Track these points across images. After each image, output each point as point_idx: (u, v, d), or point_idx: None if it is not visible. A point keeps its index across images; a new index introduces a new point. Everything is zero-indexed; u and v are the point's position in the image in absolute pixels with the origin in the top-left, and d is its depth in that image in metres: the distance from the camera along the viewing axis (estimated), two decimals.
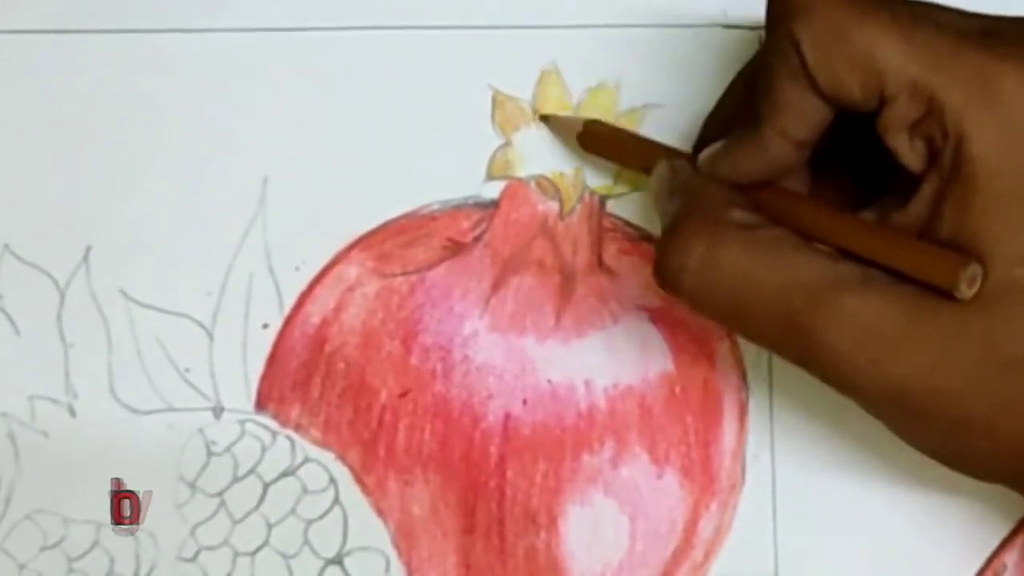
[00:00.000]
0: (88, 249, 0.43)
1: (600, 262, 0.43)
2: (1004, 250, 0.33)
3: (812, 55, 0.34)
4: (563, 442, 0.43)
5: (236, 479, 0.43)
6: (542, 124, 0.43)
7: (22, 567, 0.42)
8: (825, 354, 0.34)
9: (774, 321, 0.34)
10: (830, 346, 0.34)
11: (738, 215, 0.35)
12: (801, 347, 0.34)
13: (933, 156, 0.34)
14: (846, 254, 0.35)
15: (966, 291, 0.33)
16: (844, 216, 0.36)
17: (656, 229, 0.43)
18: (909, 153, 0.35)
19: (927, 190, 0.34)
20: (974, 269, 0.33)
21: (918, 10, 0.35)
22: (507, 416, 0.43)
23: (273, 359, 0.43)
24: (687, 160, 0.39)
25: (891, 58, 0.34)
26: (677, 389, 0.43)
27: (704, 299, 0.35)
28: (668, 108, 0.43)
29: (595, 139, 0.42)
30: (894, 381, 0.34)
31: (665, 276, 0.35)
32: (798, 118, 0.35)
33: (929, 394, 0.34)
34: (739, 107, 0.39)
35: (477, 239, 0.43)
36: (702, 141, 0.40)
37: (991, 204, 0.33)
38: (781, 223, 0.36)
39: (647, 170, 0.40)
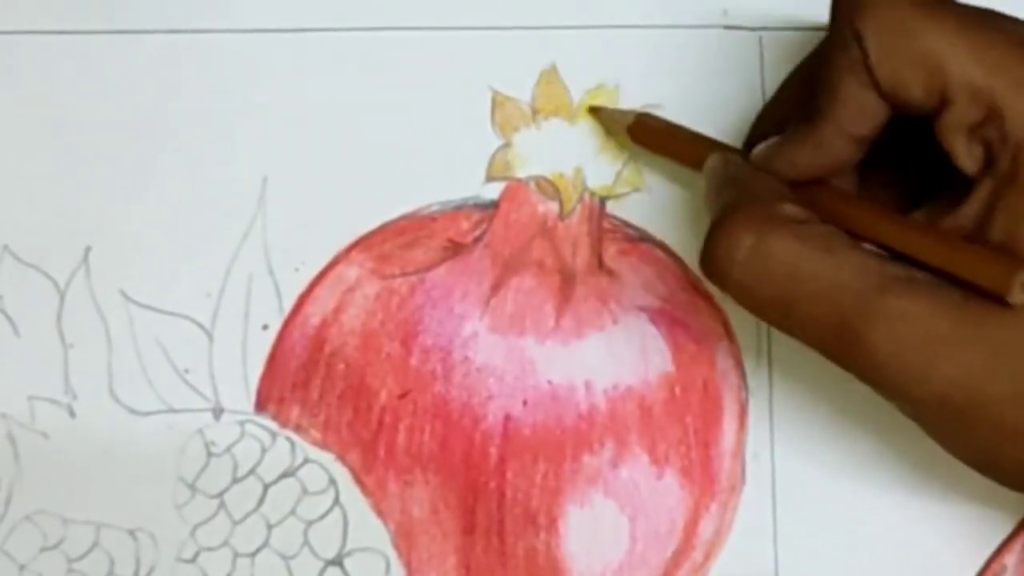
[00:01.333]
0: (88, 250, 0.43)
1: (600, 263, 0.43)
2: None
3: (875, 51, 0.34)
4: (563, 443, 0.43)
5: (236, 480, 0.43)
6: (542, 124, 0.43)
7: (22, 568, 0.42)
8: (870, 355, 0.34)
9: (820, 319, 0.34)
10: (876, 347, 0.34)
11: (789, 209, 0.35)
12: (846, 346, 0.34)
13: (990, 160, 0.34)
14: (894, 256, 0.35)
15: (1019, 296, 0.33)
16: (894, 217, 0.36)
17: (656, 230, 0.43)
18: (966, 156, 0.35)
19: (981, 193, 0.35)
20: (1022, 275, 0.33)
21: (983, 15, 0.35)
22: (507, 417, 0.43)
23: (273, 360, 0.43)
24: (739, 156, 0.38)
25: (955, 60, 0.34)
26: (677, 390, 0.43)
27: (751, 292, 0.35)
28: (668, 109, 0.43)
29: (646, 132, 0.42)
30: (939, 385, 0.34)
31: (713, 266, 0.35)
32: (857, 114, 0.35)
33: (973, 399, 0.34)
34: (794, 105, 0.38)
35: (477, 240, 0.43)
36: (753, 138, 0.40)
37: None
38: (830, 221, 0.35)
39: (696, 165, 0.40)
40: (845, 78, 0.35)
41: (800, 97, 0.38)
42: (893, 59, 0.34)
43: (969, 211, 0.35)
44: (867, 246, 0.35)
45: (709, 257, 0.35)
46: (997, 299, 0.33)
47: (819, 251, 0.34)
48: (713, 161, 0.39)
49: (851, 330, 0.34)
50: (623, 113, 0.43)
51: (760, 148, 0.38)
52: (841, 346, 0.34)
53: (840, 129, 0.36)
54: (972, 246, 0.34)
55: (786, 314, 0.35)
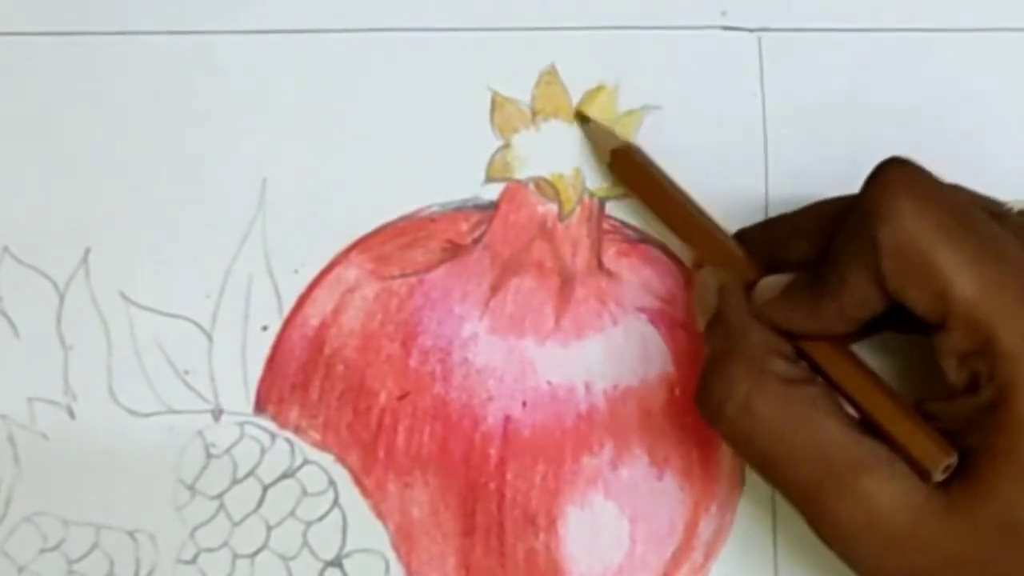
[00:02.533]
0: (87, 251, 0.43)
1: (599, 264, 0.43)
2: (1014, 496, 0.34)
3: (887, 263, 0.35)
4: (563, 444, 0.43)
5: (235, 481, 0.43)
6: (541, 125, 0.43)
7: (22, 569, 0.42)
8: (835, 530, 0.35)
9: (799, 481, 0.36)
10: (841, 524, 0.35)
11: (780, 366, 0.37)
12: (815, 511, 0.36)
13: (975, 386, 0.35)
14: (870, 424, 0.36)
15: (939, 476, 0.35)
16: (868, 382, 0.37)
17: (656, 231, 0.43)
18: (954, 374, 0.36)
19: (962, 403, 0.36)
20: (952, 460, 0.35)
21: (1001, 243, 0.35)
22: (507, 418, 0.43)
23: (272, 361, 0.43)
24: (729, 273, 0.39)
25: (962, 292, 0.35)
26: (677, 391, 0.43)
27: (738, 443, 0.37)
28: (667, 109, 0.43)
29: (625, 164, 0.42)
30: (888, 573, 0.35)
31: (706, 409, 0.37)
32: (860, 304, 0.36)
33: None
34: (804, 241, 0.39)
35: (476, 241, 0.43)
36: (751, 237, 0.41)
37: (1014, 462, 0.34)
38: (818, 371, 0.37)
39: (666, 219, 0.41)
40: (856, 271, 0.36)
41: (810, 238, 0.39)
42: (904, 274, 0.35)
43: (954, 408, 0.36)
44: (851, 413, 0.37)
45: (703, 401, 0.37)
46: (923, 474, 0.35)
47: (802, 418, 0.36)
48: (706, 279, 0.39)
49: (822, 500, 0.35)
50: (609, 136, 0.43)
51: (763, 291, 0.38)
52: (812, 512, 0.36)
53: (840, 311, 0.36)
54: (920, 423, 0.36)
55: (767, 470, 0.37)
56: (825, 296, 0.36)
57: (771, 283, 0.38)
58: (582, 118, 0.43)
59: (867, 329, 0.38)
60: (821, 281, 0.37)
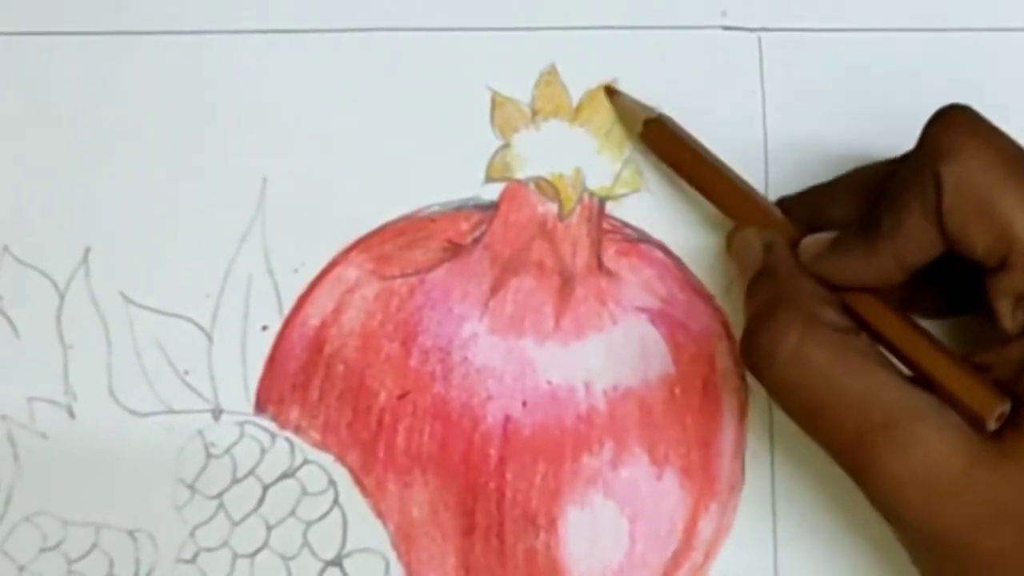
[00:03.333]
0: (87, 251, 0.43)
1: (599, 264, 0.43)
2: None
3: (950, 200, 0.35)
4: (563, 444, 0.43)
5: (235, 481, 0.43)
6: (542, 125, 0.43)
7: (21, 569, 0.42)
8: (881, 478, 0.35)
9: (844, 430, 0.35)
10: (888, 471, 0.35)
11: (831, 315, 0.36)
12: (861, 463, 0.35)
13: None
14: (918, 373, 0.36)
15: (992, 425, 0.35)
16: (918, 336, 0.37)
17: (656, 231, 0.43)
18: (1009, 318, 0.36)
19: (1016, 348, 0.36)
20: (1005, 407, 0.35)
21: None
22: (507, 418, 0.43)
23: (272, 361, 0.43)
24: (775, 233, 0.39)
25: None
26: (677, 390, 0.43)
27: (786, 392, 0.36)
28: (667, 109, 0.43)
29: (658, 136, 0.42)
30: (938, 524, 0.35)
31: (753, 358, 0.36)
32: (916, 246, 0.36)
33: (967, 547, 0.34)
34: (848, 203, 0.39)
35: (476, 241, 0.43)
36: (793, 205, 0.40)
37: None
38: (864, 329, 0.37)
39: (702, 187, 0.41)
40: (914, 213, 0.36)
41: (854, 199, 0.39)
42: (965, 212, 0.35)
43: (1006, 356, 0.36)
44: (901, 368, 0.36)
45: (750, 349, 0.36)
46: (977, 425, 0.35)
47: (856, 365, 0.35)
48: (749, 237, 0.39)
49: (869, 448, 0.35)
50: (640, 107, 0.42)
51: (809, 245, 0.38)
52: (856, 461, 0.35)
53: (896, 254, 0.36)
54: (972, 373, 0.36)
55: (813, 418, 0.36)
56: (879, 240, 0.36)
57: (816, 239, 0.38)
58: (611, 92, 0.43)
59: (906, 294, 0.38)
60: (874, 225, 0.36)
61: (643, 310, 0.43)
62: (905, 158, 0.37)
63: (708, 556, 0.42)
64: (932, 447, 0.34)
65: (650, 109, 0.42)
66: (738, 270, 0.39)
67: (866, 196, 0.38)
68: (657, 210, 0.43)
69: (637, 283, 0.43)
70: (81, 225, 0.43)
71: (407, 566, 0.42)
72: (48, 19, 0.44)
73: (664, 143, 0.42)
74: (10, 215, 0.43)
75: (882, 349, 0.37)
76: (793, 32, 0.43)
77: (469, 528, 0.42)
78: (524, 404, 0.43)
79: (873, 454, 0.35)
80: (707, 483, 0.43)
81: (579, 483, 0.42)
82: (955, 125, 0.35)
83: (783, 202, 0.41)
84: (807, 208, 0.40)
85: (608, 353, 0.43)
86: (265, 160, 0.43)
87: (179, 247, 0.43)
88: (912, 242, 0.36)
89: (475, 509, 0.42)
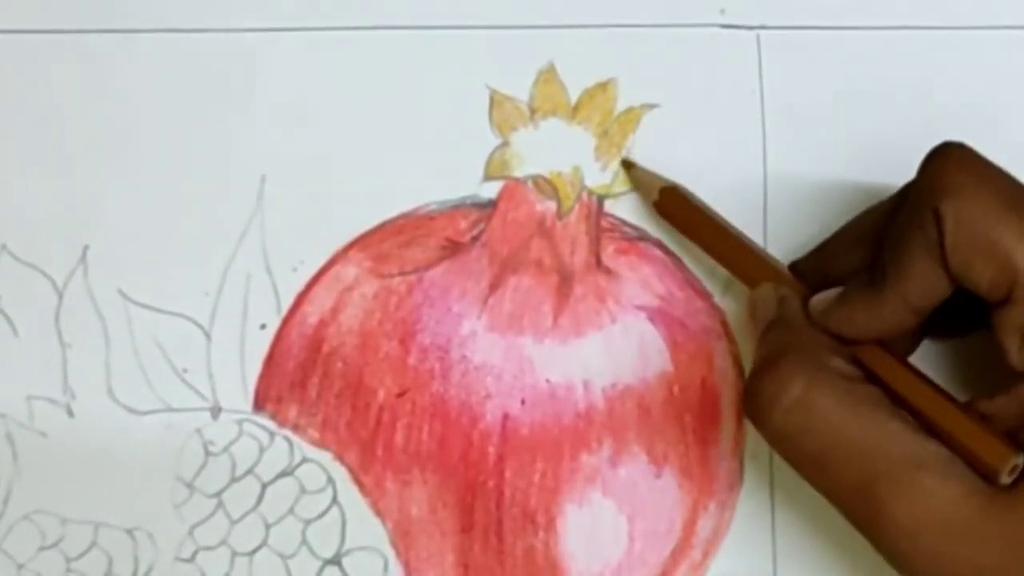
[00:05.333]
0: (86, 249, 0.43)
1: (598, 262, 0.43)
2: None
3: (952, 237, 0.35)
4: (561, 442, 0.43)
5: (234, 479, 0.43)
6: (540, 124, 0.43)
7: (20, 567, 0.42)
8: (889, 528, 0.35)
9: (850, 480, 0.35)
10: (897, 521, 0.34)
11: (839, 364, 0.36)
12: (868, 513, 0.35)
13: None
14: (927, 426, 0.36)
15: (1007, 479, 0.35)
16: (927, 387, 0.37)
17: (654, 229, 0.43)
18: (1016, 353, 0.36)
19: (1021, 393, 0.35)
20: (1018, 460, 0.35)
21: None
22: (505, 416, 0.43)
23: (271, 359, 0.43)
24: (792, 290, 0.39)
25: None
26: (675, 389, 0.43)
27: (789, 440, 0.36)
28: (665, 108, 0.43)
29: (673, 205, 0.42)
30: (947, 573, 0.34)
31: (755, 406, 0.36)
32: (923, 288, 0.36)
33: None
34: (854, 254, 0.39)
35: (475, 239, 0.43)
36: (803, 266, 0.41)
37: None
38: (873, 382, 0.36)
39: (719, 256, 0.41)
40: (917, 255, 0.36)
41: (859, 249, 0.38)
42: (967, 248, 0.35)
43: (1009, 403, 0.36)
44: (908, 416, 0.36)
45: (753, 397, 0.36)
46: (991, 478, 0.34)
47: (863, 413, 0.35)
48: (766, 292, 0.39)
49: (877, 499, 0.35)
50: (656, 178, 0.42)
51: (819, 301, 0.38)
52: (864, 511, 0.35)
53: (904, 300, 0.36)
54: (983, 425, 0.35)
55: (819, 469, 0.36)
56: (886, 288, 0.36)
57: (824, 296, 0.38)
58: (627, 164, 0.43)
59: (920, 333, 0.38)
60: (879, 274, 0.36)
61: (642, 308, 0.43)
62: (903, 198, 0.37)
63: (707, 554, 0.42)
64: (939, 497, 0.34)
65: (665, 180, 0.42)
66: (753, 324, 0.39)
67: (871, 244, 0.38)
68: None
69: (636, 281, 0.43)
70: (80, 224, 0.43)
71: (406, 564, 0.43)
72: (48, 18, 0.44)
73: (679, 212, 0.42)
74: (9, 214, 0.43)
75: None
76: (792, 30, 0.43)
77: (468, 526, 0.42)
78: (523, 402, 0.43)
79: (880, 504, 0.34)
80: (706, 482, 0.43)
81: (578, 481, 0.42)
82: (952, 162, 0.35)
83: (795, 265, 0.41)
84: (817, 267, 0.40)
85: (607, 351, 0.43)
86: (264, 158, 0.43)
87: (178, 245, 0.43)
88: (919, 284, 0.36)
89: (474, 507, 0.42)
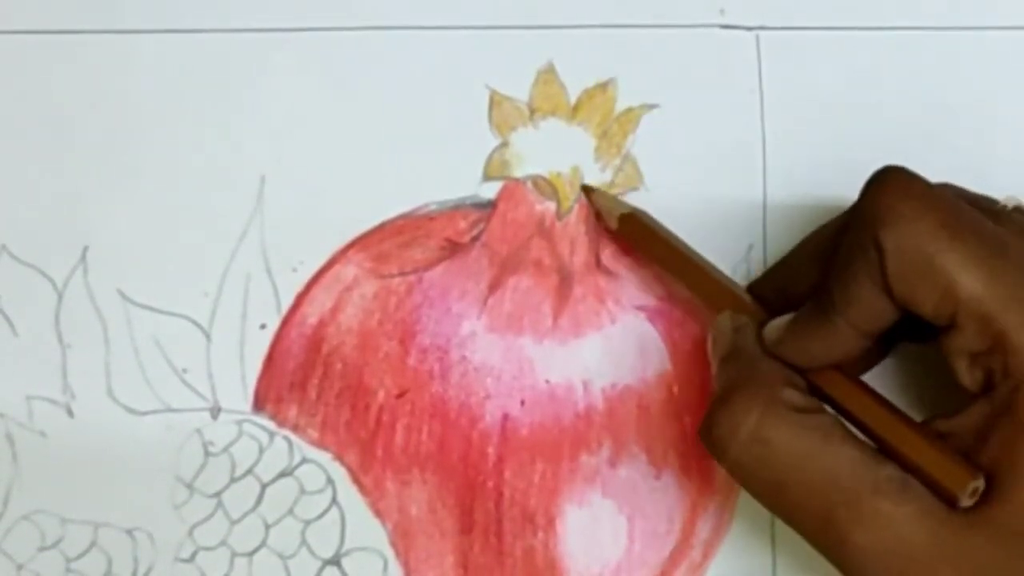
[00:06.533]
0: (85, 249, 0.43)
1: (598, 262, 0.43)
2: None
3: (893, 265, 0.35)
4: (561, 442, 0.43)
5: (234, 479, 0.43)
6: (540, 124, 0.43)
7: (20, 567, 0.42)
8: (851, 555, 0.35)
9: (810, 509, 0.35)
10: (857, 548, 0.35)
11: (792, 396, 0.36)
12: (830, 541, 0.35)
13: (989, 386, 0.35)
14: (884, 449, 0.36)
15: (967, 501, 0.35)
16: (883, 410, 0.37)
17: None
18: (966, 376, 0.36)
19: (976, 413, 0.35)
20: (977, 484, 0.34)
21: (1002, 240, 0.35)
22: (505, 416, 0.43)
23: (271, 360, 0.43)
24: (747, 317, 0.39)
25: (969, 289, 0.34)
26: (675, 389, 0.43)
27: (747, 473, 0.36)
28: (665, 108, 0.43)
29: (633, 229, 0.42)
30: None
31: (712, 440, 0.36)
32: (869, 314, 0.36)
33: None
34: (808, 274, 0.39)
35: (475, 239, 0.43)
36: (759, 288, 0.41)
37: None
38: (830, 404, 0.37)
39: (680, 277, 0.41)
40: (861, 281, 0.36)
41: (812, 269, 0.38)
42: (909, 276, 0.35)
43: (966, 422, 0.36)
44: (865, 440, 0.36)
45: (709, 431, 0.36)
46: (950, 501, 0.34)
47: (816, 442, 0.35)
48: (723, 322, 0.39)
49: (837, 527, 0.35)
50: (616, 203, 0.42)
51: (771, 331, 0.38)
52: (825, 540, 0.35)
53: (851, 325, 0.36)
54: (942, 448, 0.35)
55: (778, 499, 0.36)
56: (833, 314, 0.36)
57: (776, 324, 0.38)
58: (587, 189, 0.43)
59: (880, 351, 0.38)
60: (826, 301, 0.36)
61: (641, 308, 0.43)
62: (848, 222, 0.37)
63: (706, 555, 0.42)
64: (897, 521, 0.34)
65: (625, 205, 0.42)
66: (712, 353, 0.39)
67: (822, 265, 0.38)
68: (656, 208, 0.43)
69: (635, 282, 0.43)
70: (79, 224, 0.43)
71: (405, 565, 0.43)
72: (48, 18, 0.44)
73: (639, 236, 0.42)
74: (8, 214, 0.43)
75: (850, 426, 0.36)
76: (791, 31, 0.43)
77: (467, 527, 0.42)
78: (522, 403, 0.43)
79: (840, 530, 0.35)
80: (705, 482, 0.43)
81: (577, 482, 0.42)
82: (890, 189, 0.35)
83: (754, 285, 0.41)
84: (776, 286, 0.40)
85: (606, 352, 0.43)
86: (263, 159, 0.43)
87: (178, 246, 0.43)
88: (866, 311, 0.36)
89: (473, 508, 0.42)
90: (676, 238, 0.42)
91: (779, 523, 0.42)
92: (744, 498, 0.42)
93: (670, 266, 0.41)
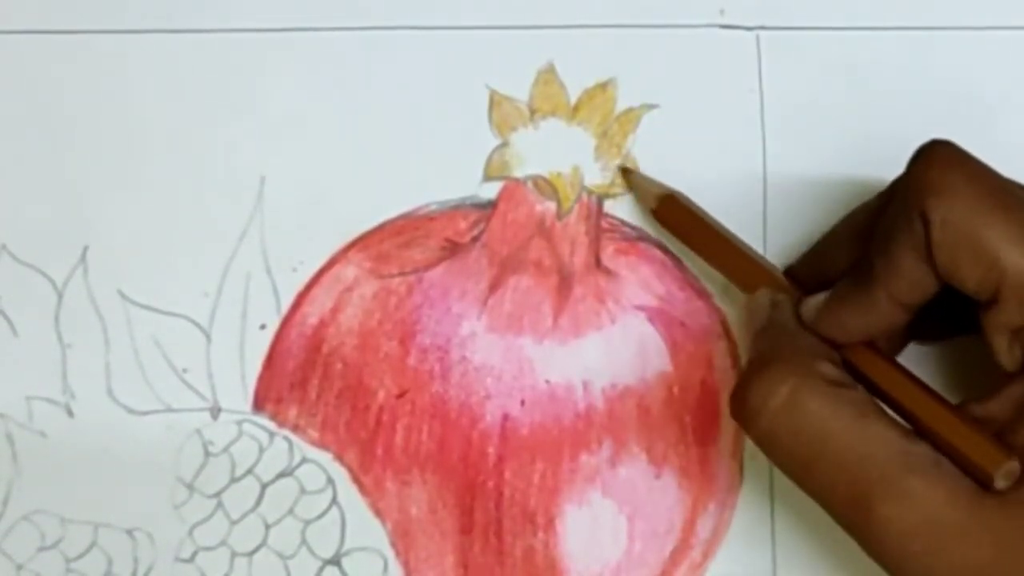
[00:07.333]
0: (85, 249, 0.43)
1: (598, 262, 0.43)
2: None
3: (939, 236, 0.35)
4: (561, 442, 0.43)
5: (234, 480, 0.43)
6: (540, 124, 0.43)
7: (20, 567, 0.42)
8: (879, 531, 0.34)
9: (839, 483, 0.35)
10: (886, 524, 0.34)
11: (828, 369, 0.36)
12: (858, 517, 0.35)
13: None
14: (918, 429, 0.36)
15: (1002, 483, 0.34)
16: (918, 390, 0.36)
17: (654, 230, 0.43)
18: (1006, 353, 0.36)
19: (1011, 395, 0.35)
20: (1012, 466, 0.34)
21: None
22: (505, 416, 0.43)
23: (270, 360, 0.43)
24: (787, 296, 0.39)
25: (1014, 262, 0.34)
26: (675, 389, 0.43)
27: (777, 444, 0.36)
28: (665, 108, 0.43)
29: (672, 213, 0.42)
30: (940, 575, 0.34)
31: (742, 409, 0.36)
32: (911, 286, 0.36)
33: None
34: (846, 253, 0.39)
35: (475, 239, 0.43)
36: (798, 271, 0.41)
37: None
38: (864, 384, 0.36)
39: (719, 264, 0.41)
40: (904, 253, 0.35)
41: (851, 247, 0.38)
42: (954, 248, 0.35)
43: (998, 405, 0.36)
44: (897, 419, 0.36)
45: (740, 400, 0.36)
46: (985, 483, 0.34)
47: (850, 417, 0.35)
48: (761, 298, 0.39)
49: (866, 502, 0.34)
50: (654, 185, 0.42)
51: (809, 306, 0.38)
52: (853, 515, 0.35)
53: (892, 297, 0.36)
54: (976, 428, 0.35)
55: (806, 472, 0.35)
56: (873, 285, 0.36)
57: (815, 299, 0.38)
58: (625, 171, 0.43)
59: (907, 333, 0.38)
60: (867, 271, 0.36)
61: (641, 309, 0.43)
62: (891, 195, 0.37)
63: (706, 555, 0.42)
64: (929, 499, 0.34)
65: (663, 187, 0.42)
66: (748, 328, 0.39)
67: (863, 242, 0.38)
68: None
69: (635, 282, 0.43)
70: (79, 224, 0.43)
71: (405, 565, 0.43)
72: (48, 18, 0.44)
73: (677, 219, 0.42)
74: (8, 214, 0.43)
75: (883, 404, 0.36)
76: (791, 31, 0.43)
77: (467, 527, 0.42)
78: (522, 403, 0.43)
79: (869, 507, 0.34)
80: (705, 482, 0.42)
81: (577, 482, 0.42)
82: (939, 161, 0.35)
83: (790, 269, 0.41)
84: (812, 269, 0.40)
85: (606, 352, 0.43)
86: (263, 159, 0.43)
87: (177, 246, 0.43)
88: (907, 282, 0.36)
89: (473, 508, 0.42)
90: (715, 220, 0.42)
91: (779, 523, 0.42)
92: (744, 498, 0.42)
93: (708, 248, 0.41)
